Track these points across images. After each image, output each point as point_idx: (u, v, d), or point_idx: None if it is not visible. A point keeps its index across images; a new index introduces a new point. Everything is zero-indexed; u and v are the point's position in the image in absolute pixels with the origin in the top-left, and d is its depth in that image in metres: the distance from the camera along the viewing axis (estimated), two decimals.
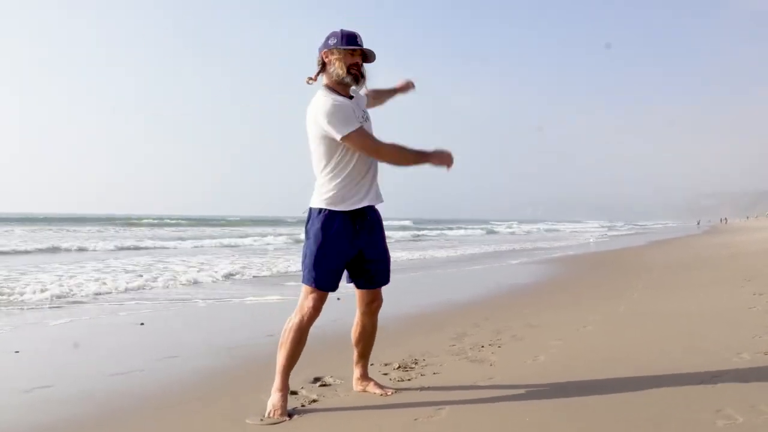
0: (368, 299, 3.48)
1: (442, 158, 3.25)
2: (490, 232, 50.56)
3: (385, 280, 3.48)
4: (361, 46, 3.29)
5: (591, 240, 30.82)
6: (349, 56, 3.26)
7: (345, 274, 3.39)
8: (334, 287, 3.31)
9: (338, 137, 3.14)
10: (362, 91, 3.49)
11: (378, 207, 3.40)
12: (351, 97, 3.31)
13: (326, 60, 3.29)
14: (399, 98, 3.90)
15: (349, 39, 3.27)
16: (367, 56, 3.34)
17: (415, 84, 3.95)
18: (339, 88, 3.28)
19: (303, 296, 3.30)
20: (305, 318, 3.26)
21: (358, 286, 3.45)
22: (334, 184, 3.24)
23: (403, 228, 51.12)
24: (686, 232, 48.50)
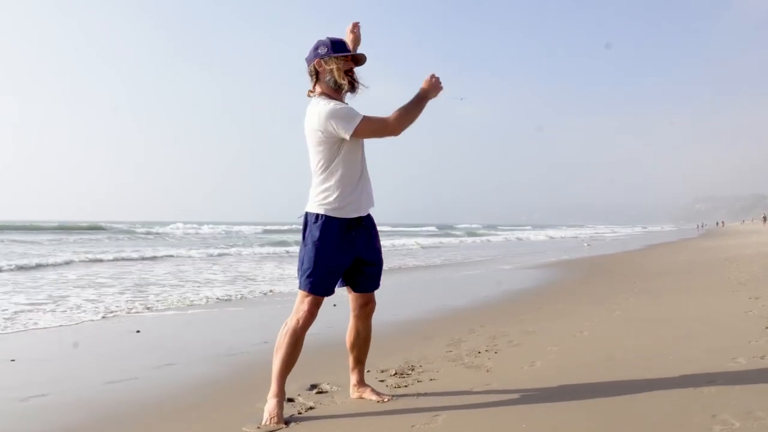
0: (362, 302, 3.50)
1: (434, 87, 3.33)
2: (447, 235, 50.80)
3: (377, 284, 3.51)
4: (351, 51, 3.34)
5: (585, 245, 30.84)
6: (343, 62, 3.29)
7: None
8: (330, 292, 3.33)
9: (347, 135, 3.17)
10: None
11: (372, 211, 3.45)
12: (345, 104, 3.34)
13: (320, 69, 3.32)
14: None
15: (340, 46, 3.32)
16: (359, 60, 3.37)
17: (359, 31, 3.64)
18: (334, 95, 3.31)
19: (299, 301, 3.30)
20: (300, 322, 3.26)
21: (353, 290, 3.47)
22: (331, 189, 3.26)
23: (430, 234, 51.56)
24: (687, 235, 48.58)
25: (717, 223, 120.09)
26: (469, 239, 42.30)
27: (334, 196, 3.26)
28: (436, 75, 3.33)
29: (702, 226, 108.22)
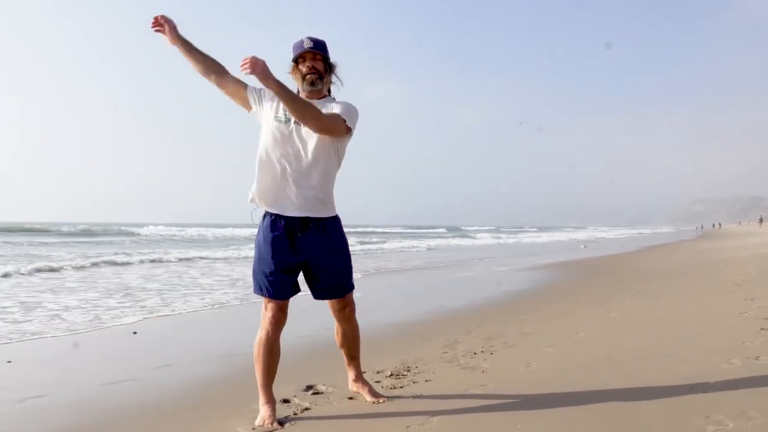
0: (338, 306, 3.47)
1: (260, 75, 3.06)
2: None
3: (337, 294, 3.42)
4: (302, 50, 3.31)
5: (582, 246, 30.86)
6: (293, 66, 3.35)
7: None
8: (280, 294, 3.25)
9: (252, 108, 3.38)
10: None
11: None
12: (320, 98, 3.35)
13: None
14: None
15: (294, 50, 3.35)
16: (303, 57, 3.33)
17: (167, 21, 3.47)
18: (302, 94, 3.34)
19: (262, 309, 3.32)
20: (269, 330, 3.26)
21: (314, 296, 3.44)
22: (255, 177, 3.28)
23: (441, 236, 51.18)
24: (685, 237, 48.63)
25: (713, 225, 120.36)
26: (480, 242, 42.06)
27: (255, 180, 3.27)
28: (249, 57, 3.05)
29: (702, 228, 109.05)
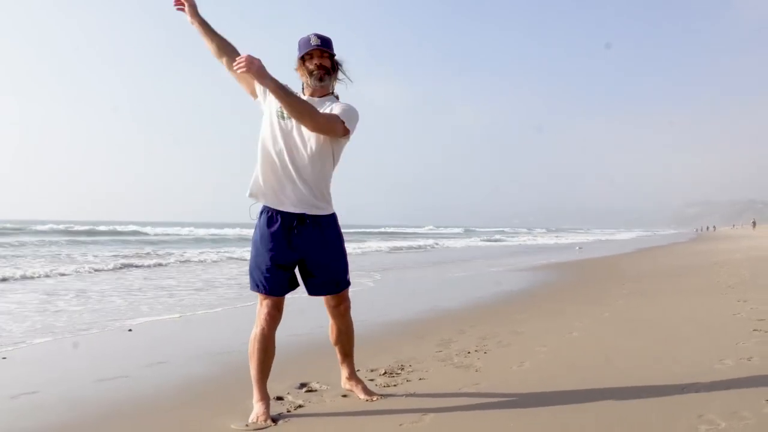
0: (333, 303, 3.50)
1: (255, 74, 3.06)
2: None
3: (330, 291, 3.44)
4: (309, 48, 3.33)
5: (578, 248, 30.91)
6: (299, 62, 3.36)
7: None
8: (275, 291, 3.26)
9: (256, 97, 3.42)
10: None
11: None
12: (322, 96, 3.38)
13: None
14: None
15: (300, 47, 3.36)
16: (325, 45, 3.35)
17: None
18: (307, 91, 3.39)
19: (258, 305, 3.32)
20: (264, 326, 3.26)
21: (308, 292, 3.44)
22: (256, 170, 3.30)
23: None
24: (681, 239, 48.78)
25: (707, 228, 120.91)
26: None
27: (253, 174, 3.29)
28: (244, 56, 3.05)
29: (702, 230, 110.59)
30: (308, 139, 3.24)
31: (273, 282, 3.24)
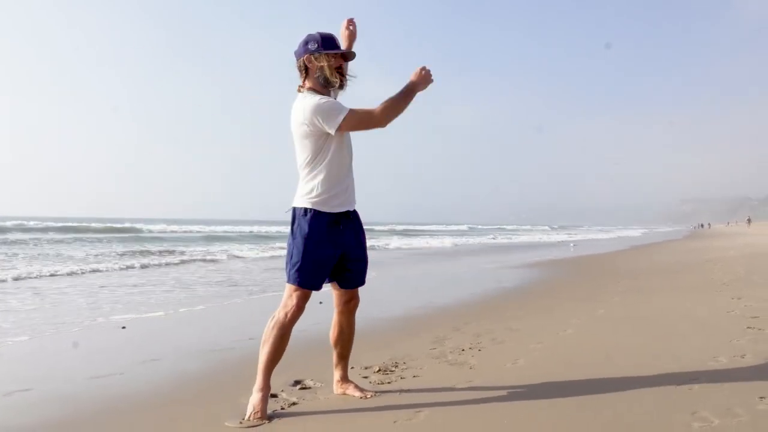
0: (346, 298, 3.53)
1: (423, 79, 3.32)
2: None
3: (362, 280, 3.53)
4: (340, 48, 3.37)
5: (572, 245, 30.95)
6: (333, 59, 3.30)
7: None
8: (318, 287, 3.33)
9: (332, 130, 3.18)
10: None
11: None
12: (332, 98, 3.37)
13: (309, 65, 3.33)
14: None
15: (330, 42, 3.33)
16: (348, 57, 3.41)
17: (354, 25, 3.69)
18: (322, 90, 3.33)
19: (287, 294, 3.31)
20: (288, 316, 3.27)
21: (340, 286, 3.48)
22: (318, 184, 3.28)
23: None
24: (678, 236, 48.91)
25: (702, 225, 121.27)
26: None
27: (322, 190, 3.27)
28: (427, 67, 3.33)
29: (701, 227, 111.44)
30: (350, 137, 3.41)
31: (319, 279, 3.32)
